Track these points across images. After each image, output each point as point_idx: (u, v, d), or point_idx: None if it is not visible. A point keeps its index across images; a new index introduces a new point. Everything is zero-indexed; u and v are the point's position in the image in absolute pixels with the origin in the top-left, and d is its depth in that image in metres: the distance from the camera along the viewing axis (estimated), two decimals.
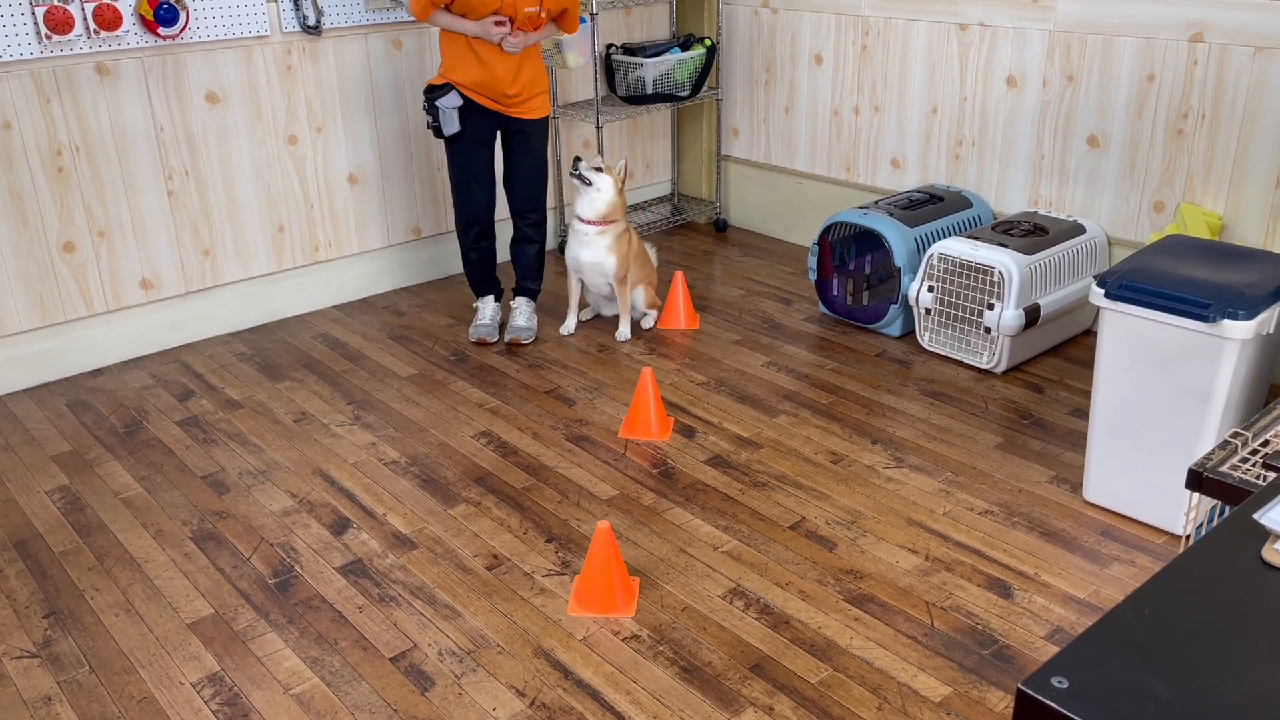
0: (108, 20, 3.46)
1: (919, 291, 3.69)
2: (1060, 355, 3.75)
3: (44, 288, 3.65)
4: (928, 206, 3.98)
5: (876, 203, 4.02)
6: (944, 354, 3.74)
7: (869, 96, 4.45)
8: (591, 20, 4.37)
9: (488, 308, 4.01)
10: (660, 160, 5.29)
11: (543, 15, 3.55)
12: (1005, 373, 3.62)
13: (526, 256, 3.93)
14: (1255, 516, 1.13)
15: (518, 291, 3.99)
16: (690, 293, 4.32)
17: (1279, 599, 1.01)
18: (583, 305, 4.12)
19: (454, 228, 3.98)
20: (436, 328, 4.10)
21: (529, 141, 3.74)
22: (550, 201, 4.85)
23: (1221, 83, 3.42)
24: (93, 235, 3.70)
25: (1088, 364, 3.63)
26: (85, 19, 3.45)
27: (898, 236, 3.81)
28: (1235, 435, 1.82)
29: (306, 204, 4.16)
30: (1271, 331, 2.60)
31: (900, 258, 3.79)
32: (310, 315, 4.26)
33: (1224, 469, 1.74)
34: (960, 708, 2.19)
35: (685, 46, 4.70)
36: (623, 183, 3.81)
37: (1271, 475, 1.71)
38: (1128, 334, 2.65)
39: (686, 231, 5.17)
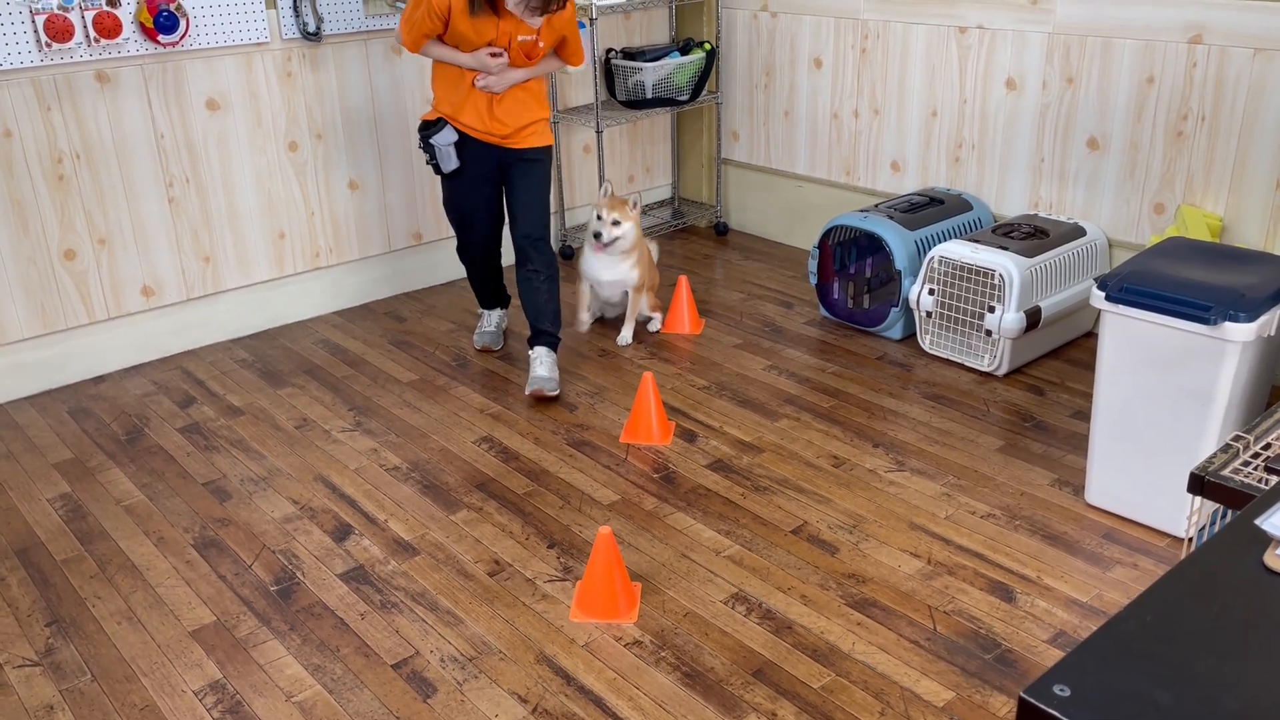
0: (108, 28, 3.46)
1: (920, 294, 3.68)
2: (1061, 358, 3.75)
3: (45, 295, 3.65)
4: (928, 209, 3.98)
5: (877, 206, 4.02)
6: (945, 357, 3.74)
7: (868, 100, 4.45)
8: (591, 25, 4.37)
9: (493, 315, 3.98)
10: (660, 164, 5.29)
11: (541, 45, 3.36)
12: (1006, 375, 3.62)
13: (538, 296, 3.58)
14: (1257, 522, 1.12)
15: (535, 340, 3.63)
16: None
17: None
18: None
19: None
20: (437, 333, 4.10)
21: (529, 171, 3.53)
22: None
23: (1221, 84, 3.41)
24: (94, 242, 3.70)
25: (1089, 366, 3.63)
26: (85, 27, 3.45)
27: (898, 240, 3.81)
28: (1237, 438, 1.82)
29: (307, 210, 4.16)
30: (1273, 334, 2.59)
31: (901, 261, 3.79)
32: (311, 321, 4.26)
33: (1226, 473, 1.74)
34: (963, 712, 2.18)
35: (685, 51, 4.71)
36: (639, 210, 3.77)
37: (1273, 479, 1.71)
38: (1129, 336, 2.65)
39: (687, 235, 5.17)
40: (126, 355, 3.88)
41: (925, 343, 3.77)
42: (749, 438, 3.28)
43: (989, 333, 3.55)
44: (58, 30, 3.39)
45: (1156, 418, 2.66)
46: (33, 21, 3.37)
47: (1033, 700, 0.88)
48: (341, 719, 2.22)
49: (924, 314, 3.72)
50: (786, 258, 4.82)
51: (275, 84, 3.95)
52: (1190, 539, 1.91)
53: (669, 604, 2.54)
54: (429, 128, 3.43)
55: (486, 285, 3.87)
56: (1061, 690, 0.89)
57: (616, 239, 3.70)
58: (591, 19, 4.36)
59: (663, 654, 2.38)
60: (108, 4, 3.48)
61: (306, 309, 4.28)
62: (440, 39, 3.32)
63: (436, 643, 2.44)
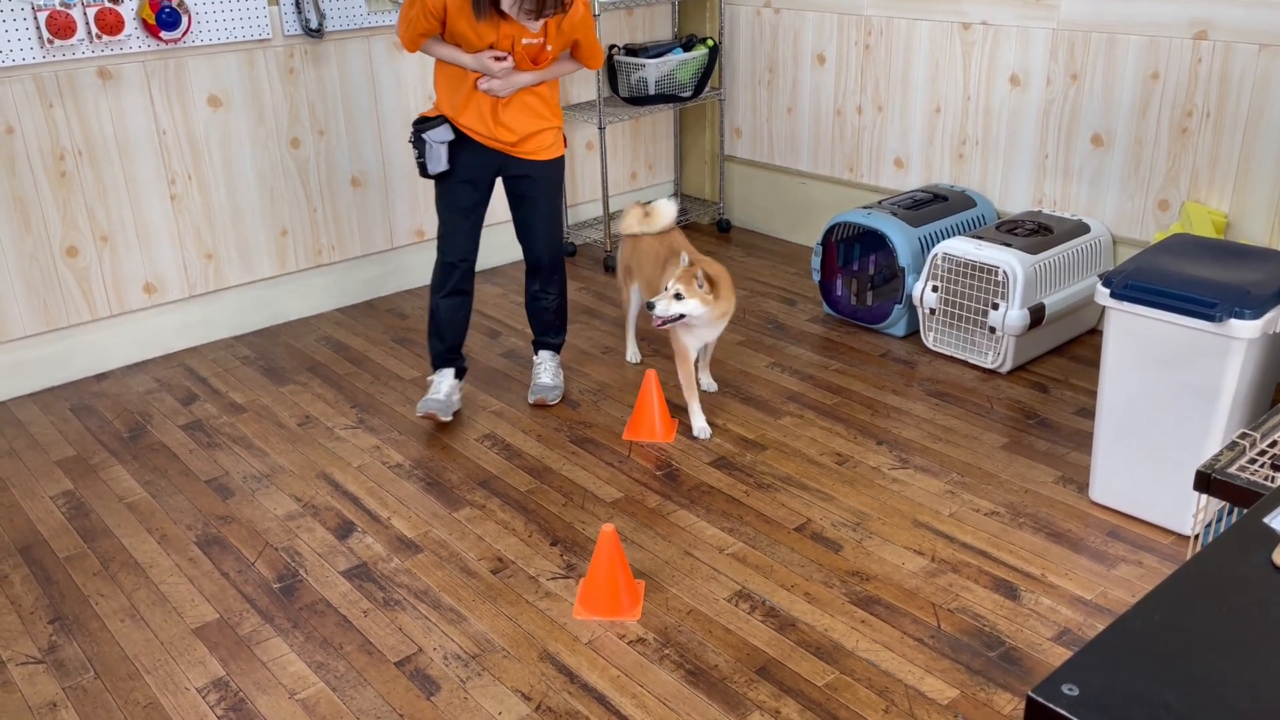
0: (110, 24, 3.46)
1: (923, 291, 3.68)
2: (1065, 355, 3.74)
3: (47, 292, 3.65)
4: (931, 206, 3.97)
5: (880, 203, 4.01)
6: (949, 354, 3.73)
7: (872, 96, 4.44)
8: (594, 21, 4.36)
9: (445, 382, 3.37)
10: (663, 161, 5.28)
11: (549, 50, 3.08)
12: (1010, 373, 3.61)
13: (547, 316, 3.48)
14: (1266, 520, 1.12)
15: (539, 345, 3.56)
16: None
17: None
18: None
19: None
20: None
21: (536, 189, 3.24)
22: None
23: (1226, 80, 3.40)
24: (96, 239, 3.70)
25: (1093, 363, 3.62)
26: (87, 23, 3.45)
27: (902, 236, 3.80)
28: (1243, 436, 1.81)
29: (309, 207, 4.16)
30: (1278, 330, 2.58)
31: (904, 258, 3.78)
32: (314, 318, 4.26)
33: (1232, 470, 1.74)
34: (968, 710, 2.18)
35: (688, 47, 4.70)
36: (710, 283, 3.12)
37: None
38: (1133, 333, 2.64)
39: (690, 232, 5.16)
40: (129, 352, 3.88)
41: (929, 340, 3.76)
42: (752, 435, 3.27)
43: (993, 330, 3.54)
44: (60, 26, 3.38)
45: (1161, 415, 2.66)
46: (35, 18, 3.36)
47: (1041, 700, 0.88)
48: (344, 716, 2.22)
49: (927, 311, 3.71)
50: (789, 255, 4.82)
51: (277, 81, 3.94)
52: (1196, 536, 1.90)
53: (672, 601, 2.54)
54: (425, 122, 3.14)
55: (449, 325, 3.33)
56: (1070, 690, 0.89)
57: (677, 317, 3.13)
58: (595, 15, 4.35)
59: (666, 652, 2.37)
60: (110, 0, 3.47)
61: (309, 306, 4.27)
62: (441, 38, 3.11)
63: (439, 640, 2.43)
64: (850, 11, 4.40)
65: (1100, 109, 3.74)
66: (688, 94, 4.76)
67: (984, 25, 3.99)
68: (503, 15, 2.96)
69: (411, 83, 4.28)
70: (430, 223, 4.51)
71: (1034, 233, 3.65)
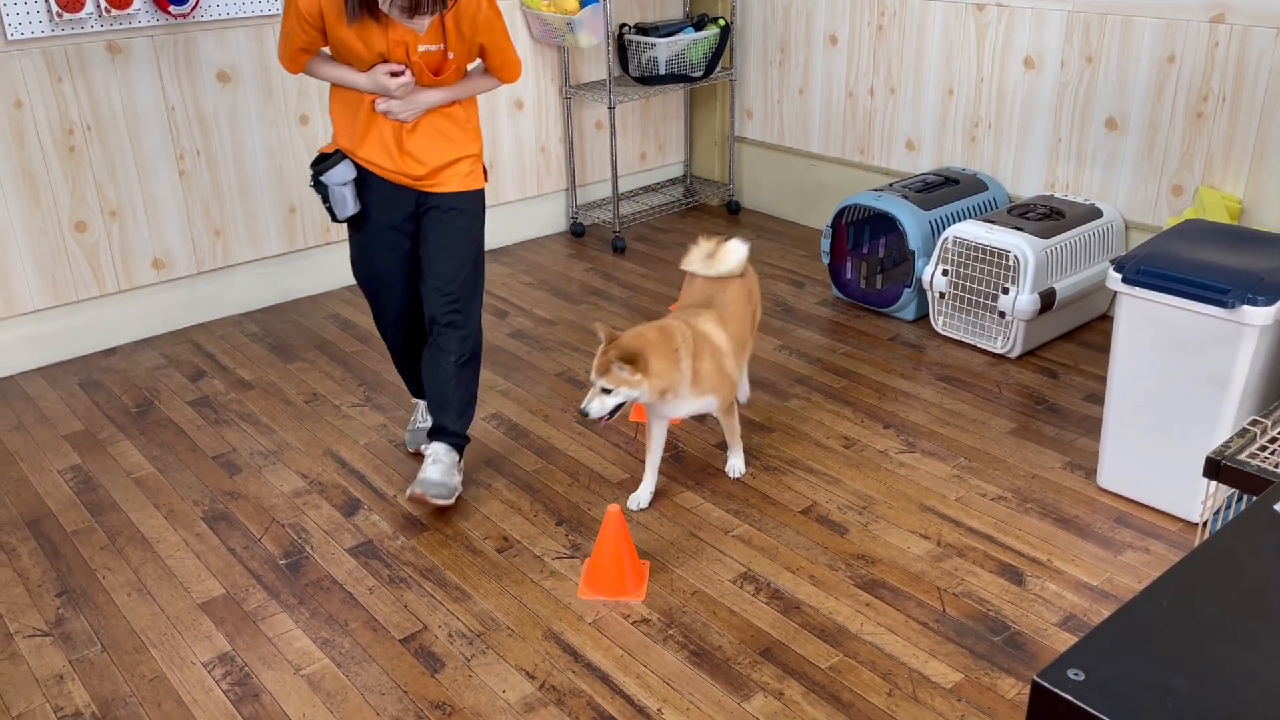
0: None
1: (933, 275, 3.66)
2: (1075, 340, 3.72)
3: (56, 267, 3.65)
4: (943, 189, 3.94)
5: (891, 185, 3.99)
6: (958, 338, 3.72)
7: (884, 78, 4.41)
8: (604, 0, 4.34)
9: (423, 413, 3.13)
10: (673, 141, 5.26)
11: (450, 58, 2.58)
12: (1020, 358, 3.59)
13: (445, 383, 2.77)
14: (1275, 508, 1.11)
15: (434, 433, 2.82)
16: None
17: None
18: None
19: None
20: None
21: (448, 222, 2.70)
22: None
23: (1243, 64, 3.37)
24: (104, 215, 3.70)
25: (1103, 349, 3.60)
26: None
27: (912, 220, 3.78)
28: (1254, 423, 1.80)
29: None
30: None
31: (914, 241, 3.76)
32: (322, 296, 4.26)
33: (1243, 457, 1.72)
34: (971, 694, 2.18)
35: (699, 26, 4.67)
36: (632, 362, 2.52)
37: None
38: (1145, 319, 2.63)
39: (699, 214, 5.14)
40: (137, 328, 3.88)
41: (938, 324, 3.75)
42: (759, 417, 3.26)
43: (1002, 314, 3.52)
44: (69, 1, 3.37)
45: (1171, 401, 2.64)
46: None
47: (1046, 684, 0.87)
48: (349, 692, 2.23)
49: (937, 295, 3.69)
50: (799, 237, 4.80)
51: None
52: (1205, 523, 1.89)
53: (677, 582, 2.54)
54: (322, 162, 2.64)
55: (415, 369, 3.02)
56: (1076, 674, 0.88)
57: (615, 409, 2.56)
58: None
59: (670, 632, 2.38)
60: None
61: (317, 283, 4.27)
62: (328, 55, 2.62)
63: (444, 618, 2.44)
64: None
65: (1115, 92, 3.71)
66: (698, 74, 4.74)
67: (998, 6, 3.95)
68: (376, 17, 2.47)
69: None
70: None
71: (1046, 217, 3.63)
